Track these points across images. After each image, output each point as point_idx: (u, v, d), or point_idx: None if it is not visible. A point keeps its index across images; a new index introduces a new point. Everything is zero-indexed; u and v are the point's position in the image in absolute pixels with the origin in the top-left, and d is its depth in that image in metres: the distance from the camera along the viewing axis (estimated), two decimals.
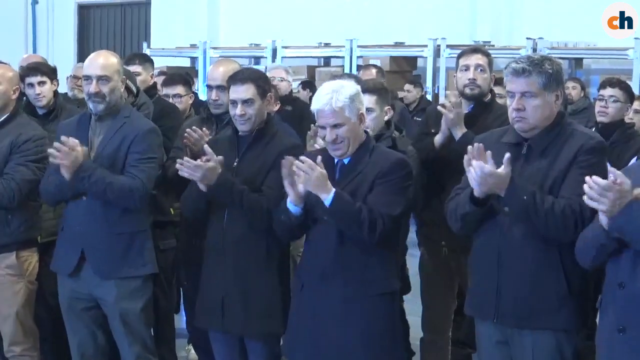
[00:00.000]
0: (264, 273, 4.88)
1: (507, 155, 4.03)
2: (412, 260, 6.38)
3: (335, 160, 4.58)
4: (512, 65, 4.26)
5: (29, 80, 6.09)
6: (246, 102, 4.90)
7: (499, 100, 5.87)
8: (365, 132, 4.65)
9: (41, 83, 6.11)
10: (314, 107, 4.52)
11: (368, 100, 5.20)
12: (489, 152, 4.05)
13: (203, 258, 5.05)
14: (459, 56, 5.77)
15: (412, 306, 6.22)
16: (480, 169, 4.02)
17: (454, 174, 4.57)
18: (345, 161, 4.56)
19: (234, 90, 4.93)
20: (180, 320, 6.89)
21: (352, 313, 4.46)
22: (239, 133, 4.99)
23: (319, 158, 4.37)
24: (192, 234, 5.41)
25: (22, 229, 5.45)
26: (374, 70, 8.36)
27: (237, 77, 4.99)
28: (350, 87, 4.54)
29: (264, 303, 4.88)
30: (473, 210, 4.21)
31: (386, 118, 5.36)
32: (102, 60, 5.16)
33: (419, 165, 5.32)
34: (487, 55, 5.70)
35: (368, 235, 4.37)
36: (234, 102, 4.92)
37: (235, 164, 4.93)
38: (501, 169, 4.01)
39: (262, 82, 4.99)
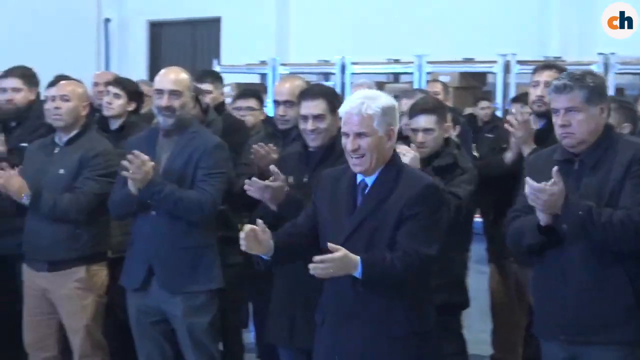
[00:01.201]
0: None
1: (555, 168, 4.00)
2: (481, 277, 6.33)
3: (358, 181, 4.23)
4: (554, 82, 4.26)
5: (109, 88, 6.22)
6: (317, 117, 4.90)
7: None
8: (394, 151, 4.28)
9: (117, 95, 6.19)
10: (341, 110, 4.22)
11: (427, 120, 5.18)
12: (555, 168, 4.03)
13: (271, 274, 5.03)
14: (533, 72, 5.74)
15: (478, 323, 6.17)
16: (530, 187, 3.99)
17: (522, 190, 4.53)
18: (369, 182, 4.20)
19: (305, 105, 4.94)
20: (249, 336, 6.89)
21: (373, 355, 4.16)
22: (309, 148, 4.97)
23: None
24: None
25: (92, 244, 5.49)
26: (439, 85, 8.32)
27: (309, 93, 5.01)
28: (385, 98, 4.21)
29: None
30: (540, 240, 4.16)
31: (446, 135, 5.30)
32: (174, 76, 5.22)
33: (476, 182, 5.24)
34: (561, 71, 5.62)
35: (408, 283, 4.12)
36: (305, 117, 4.92)
37: (305, 179, 4.91)
38: (552, 185, 3.97)
39: (332, 98, 4.97)
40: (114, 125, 6.25)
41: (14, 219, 5.66)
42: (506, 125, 5.52)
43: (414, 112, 5.30)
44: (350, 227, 4.12)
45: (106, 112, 6.25)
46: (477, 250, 6.14)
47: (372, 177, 4.19)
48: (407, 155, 4.94)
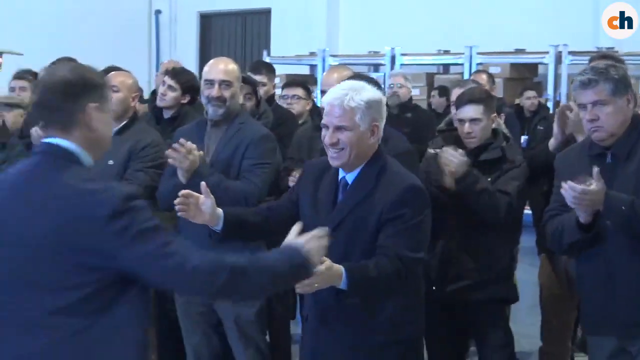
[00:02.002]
0: None
1: (596, 169, 3.96)
2: (531, 270, 6.28)
3: (340, 177, 4.04)
4: (578, 78, 4.24)
5: (165, 78, 6.24)
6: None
7: None
8: (378, 148, 4.02)
9: (171, 87, 6.21)
10: (324, 100, 4.01)
11: (475, 110, 5.13)
12: (596, 169, 3.98)
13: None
14: (589, 62, 5.69)
15: (527, 316, 6.12)
16: (572, 190, 3.93)
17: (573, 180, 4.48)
18: (349, 179, 4.00)
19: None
20: (297, 327, 6.90)
21: None
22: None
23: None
24: None
25: None
26: (484, 76, 8.25)
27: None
28: (371, 91, 3.97)
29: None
30: (582, 238, 4.13)
31: (493, 126, 5.26)
32: (224, 66, 5.21)
33: (526, 176, 5.19)
34: (617, 62, 5.56)
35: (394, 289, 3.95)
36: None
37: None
38: (594, 184, 3.93)
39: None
40: (167, 114, 6.28)
41: None
42: (565, 110, 5.45)
43: (460, 102, 5.26)
44: (330, 226, 3.68)
45: (159, 103, 6.28)
46: (527, 242, 6.08)
47: (353, 174, 4.00)
48: (455, 160, 4.92)
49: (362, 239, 3.91)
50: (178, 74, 6.36)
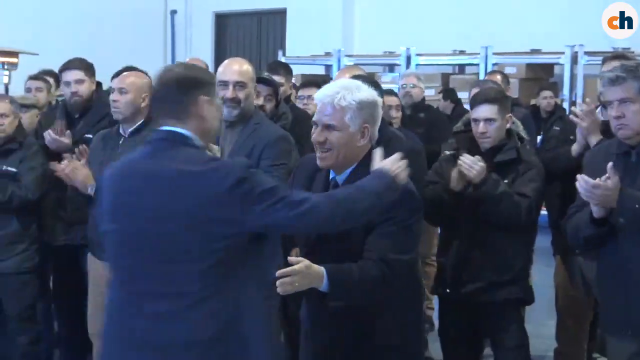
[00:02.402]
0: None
1: (610, 164, 3.94)
2: (547, 271, 6.27)
3: (331, 176, 3.97)
4: (607, 75, 4.23)
5: None
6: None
7: None
8: (370, 150, 3.87)
9: None
10: (316, 96, 3.91)
11: (489, 110, 5.11)
12: (610, 164, 3.96)
13: None
14: (602, 63, 5.68)
15: (543, 317, 6.12)
16: (585, 182, 3.93)
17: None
18: (340, 181, 3.91)
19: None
20: None
21: None
22: None
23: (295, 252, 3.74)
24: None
25: None
26: (499, 77, 8.24)
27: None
28: (366, 92, 3.86)
29: None
30: (595, 232, 4.11)
31: (508, 126, 5.25)
32: (239, 67, 5.18)
33: (544, 177, 5.19)
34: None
35: (379, 296, 3.80)
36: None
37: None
38: (607, 180, 3.91)
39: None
40: None
41: (82, 210, 5.74)
42: (571, 116, 5.46)
43: (475, 101, 5.26)
44: None
45: None
46: (543, 243, 6.08)
47: (343, 175, 3.91)
48: (474, 168, 4.91)
49: (352, 241, 3.79)
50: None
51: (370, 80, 4.95)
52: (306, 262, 3.54)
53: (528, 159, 5.17)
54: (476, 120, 5.18)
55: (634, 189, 4.01)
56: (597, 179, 3.92)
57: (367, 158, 3.81)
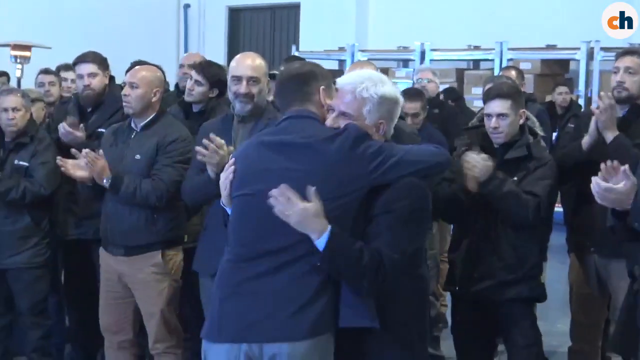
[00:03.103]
0: None
1: (625, 167, 3.81)
2: (562, 268, 6.24)
3: None
4: None
5: (192, 72, 6.23)
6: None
7: None
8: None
9: (198, 82, 6.19)
10: (339, 82, 3.88)
11: (502, 105, 5.09)
12: (626, 166, 3.84)
13: None
14: (615, 58, 5.63)
15: (557, 314, 6.09)
16: (597, 185, 3.82)
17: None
18: None
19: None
20: None
21: None
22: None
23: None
24: None
25: (168, 228, 5.52)
26: (513, 72, 8.20)
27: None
28: (390, 88, 3.86)
29: None
30: (617, 224, 4.05)
31: (521, 122, 5.22)
32: (252, 62, 5.16)
33: (557, 174, 5.16)
34: None
35: (368, 286, 3.66)
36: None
37: None
38: (621, 185, 3.80)
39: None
40: (196, 108, 6.28)
41: (93, 205, 5.75)
42: (592, 107, 5.41)
43: (488, 96, 5.23)
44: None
45: (187, 98, 6.27)
46: (558, 240, 6.06)
47: None
48: (478, 165, 4.89)
49: (353, 233, 3.69)
50: (205, 68, 6.33)
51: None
52: (317, 205, 3.55)
53: (539, 156, 5.14)
54: (489, 116, 5.16)
55: None
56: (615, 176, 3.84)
57: None
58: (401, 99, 3.93)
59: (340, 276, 3.68)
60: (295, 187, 3.57)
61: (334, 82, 3.90)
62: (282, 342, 3.64)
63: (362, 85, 3.77)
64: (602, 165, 3.84)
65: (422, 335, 4.07)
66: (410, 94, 6.82)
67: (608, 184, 3.82)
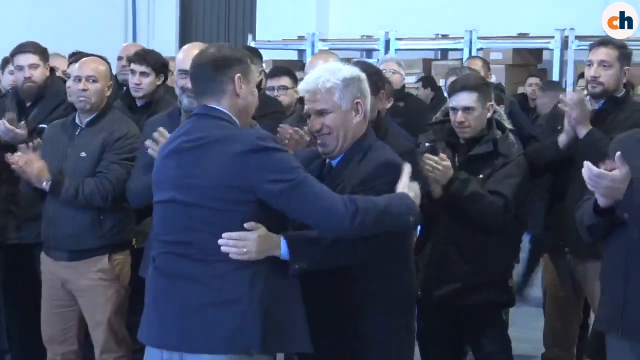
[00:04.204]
0: None
1: (618, 153, 3.88)
2: (537, 270, 6.28)
3: (327, 161, 4.15)
4: None
5: (132, 67, 6.17)
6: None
7: None
8: (367, 129, 4.13)
9: (144, 74, 6.17)
10: (300, 88, 4.14)
11: (468, 98, 5.11)
12: (618, 153, 3.91)
13: None
14: (589, 49, 5.67)
15: (531, 319, 6.13)
16: (589, 170, 3.87)
17: (578, 176, 4.45)
18: (333, 163, 4.12)
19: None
20: None
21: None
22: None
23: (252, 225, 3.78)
24: None
25: (115, 231, 5.50)
26: (479, 62, 8.25)
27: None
28: (348, 69, 4.08)
29: None
30: (598, 222, 4.08)
31: (488, 115, 5.23)
32: None
33: (527, 169, 5.18)
34: (620, 47, 5.55)
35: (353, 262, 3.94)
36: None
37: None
38: (615, 171, 3.86)
39: (375, 78, 4.79)
40: (140, 102, 6.25)
41: (35, 206, 5.70)
42: (560, 105, 5.45)
43: (453, 89, 5.25)
44: None
45: (135, 94, 6.23)
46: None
47: (337, 158, 4.10)
48: (439, 168, 4.90)
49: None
50: (145, 56, 6.32)
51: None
52: (262, 229, 3.72)
53: (506, 152, 5.14)
54: (454, 109, 5.17)
55: None
56: (602, 167, 3.88)
57: (362, 139, 4.06)
58: (363, 74, 4.14)
59: (318, 263, 3.88)
60: (190, 193, 3.78)
61: (261, 63, 4.07)
62: (203, 353, 3.78)
63: (321, 79, 3.99)
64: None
65: (409, 342, 4.26)
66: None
67: (600, 170, 3.86)
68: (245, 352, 3.76)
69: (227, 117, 3.89)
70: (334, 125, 4.00)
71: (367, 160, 4.03)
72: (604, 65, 5.46)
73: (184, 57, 5.10)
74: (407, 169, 3.97)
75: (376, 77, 4.84)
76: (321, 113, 4.00)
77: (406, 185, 3.92)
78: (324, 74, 4.00)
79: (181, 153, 3.87)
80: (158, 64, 6.25)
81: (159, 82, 6.25)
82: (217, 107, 3.90)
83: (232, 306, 3.75)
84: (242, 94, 3.92)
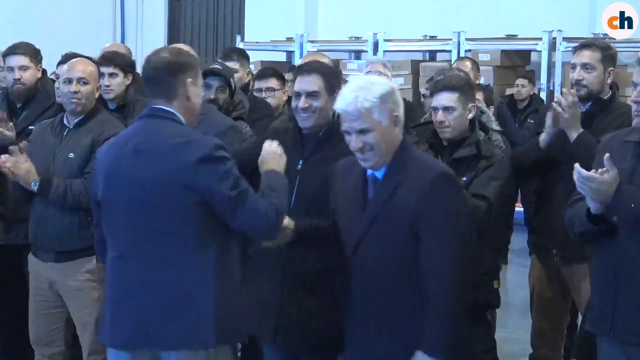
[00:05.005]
0: None
1: (607, 155, 3.91)
2: (523, 271, 6.30)
3: (368, 172, 4.21)
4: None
5: (101, 69, 6.15)
6: (311, 94, 4.72)
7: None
8: (403, 137, 4.20)
9: (112, 75, 6.17)
10: (337, 107, 4.15)
11: (449, 98, 5.11)
12: (607, 155, 3.94)
13: None
14: (573, 52, 5.68)
15: (518, 320, 6.14)
16: (579, 173, 3.91)
17: (564, 178, 4.48)
18: (379, 175, 4.17)
19: (300, 80, 4.79)
20: None
21: None
22: (303, 131, 4.79)
23: None
24: None
25: None
26: (468, 63, 8.26)
27: (304, 68, 4.89)
28: (381, 84, 4.14)
29: None
30: (590, 229, 4.11)
31: (470, 116, 5.23)
32: None
33: (509, 172, 5.19)
34: (603, 49, 5.55)
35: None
36: (298, 94, 4.76)
37: (299, 166, 4.74)
38: (604, 174, 3.89)
39: (331, 76, 4.79)
40: (113, 105, 6.23)
41: (24, 207, 5.69)
42: (554, 104, 5.45)
43: (435, 89, 5.26)
44: (365, 224, 4.11)
45: (107, 96, 6.18)
46: (520, 242, 6.12)
47: (381, 169, 4.15)
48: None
49: (398, 233, 4.04)
50: (112, 58, 6.32)
51: (335, 69, 4.98)
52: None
53: (488, 154, 5.13)
54: (435, 109, 5.18)
55: (633, 187, 3.97)
56: (593, 170, 3.90)
57: (402, 145, 4.15)
58: (394, 86, 4.25)
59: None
60: (143, 195, 4.02)
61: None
62: (180, 350, 4.02)
63: (358, 99, 4.02)
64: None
65: None
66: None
67: (590, 173, 3.89)
68: (227, 344, 4.13)
69: (177, 117, 4.14)
70: (376, 142, 4.06)
71: (417, 168, 4.11)
72: (587, 68, 5.47)
73: None
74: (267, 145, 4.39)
75: (331, 76, 4.83)
76: (362, 132, 4.05)
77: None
78: (360, 93, 4.03)
79: (140, 152, 4.07)
80: (125, 64, 6.24)
81: (127, 82, 6.24)
82: (166, 108, 4.14)
83: (219, 304, 4.03)
84: (192, 97, 4.18)
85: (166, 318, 4.01)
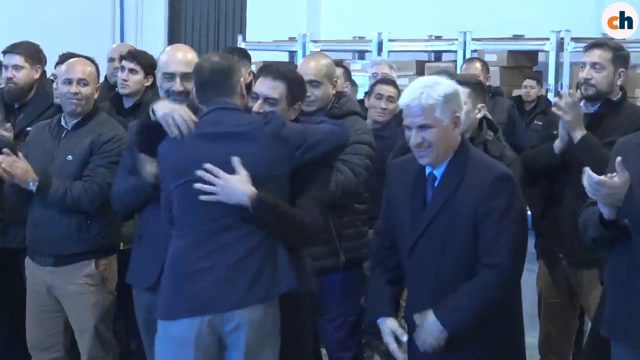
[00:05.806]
0: None
1: (618, 159, 3.92)
2: (531, 276, 6.28)
3: (427, 172, 4.36)
4: None
5: (123, 63, 6.17)
6: (269, 100, 4.73)
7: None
8: (462, 138, 4.38)
9: (133, 71, 6.17)
10: (400, 102, 4.32)
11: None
12: (618, 159, 3.94)
13: None
14: (583, 51, 5.66)
15: (527, 325, 6.11)
16: (589, 178, 3.91)
17: (573, 181, 4.46)
18: (438, 174, 4.33)
19: (261, 83, 4.79)
20: None
21: None
22: None
23: None
24: None
25: (102, 236, 5.49)
26: (478, 64, 8.25)
27: (270, 71, 4.85)
28: (446, 84, 4.29)
29: None
30: (603, 234, 4.10)
31: (479, 116, 5.23)
32: (183, 56, 5.10)
33: (522, 174, 5.17)
34: (615, 50, 5.53)
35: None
36: (256, 96, 4.77)
37: None
38: (614, 178, 3.89)
39: (295, 87, 4.80)
40: (128, 103, 6.24)
41: (21, 210, 5.67)
42: (554, 109, 5.44)
43: None
44: (423, 224, 4.24)
45: (122, 91, 6.23)
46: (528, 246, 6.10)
47: (441, 168, 4.30)
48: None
49: (457, 234, 4.22)
50: (137, 55, 6.34)
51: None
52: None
53: (498, 154, 5.11)
54: None
55: None
56: (604, 175, 3.90)
57: (462, 147, 4.31)
58: (460, 88, 4.40)
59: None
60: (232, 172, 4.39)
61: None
62: (240, 309, 4.40)
63: (423, 95, 4.19)
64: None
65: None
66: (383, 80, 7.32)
67: (601, 177, 3.89)
68: (275, 298, 4.55)
69: (242, 109, 4.63)
70: (435, 140, 4.21)
71: (477, 169, 4.28)
72: (596, 67, 5.46)
73: (170, 60, 5.07)
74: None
75: (299, 90, 4.82)
76: (422, 128, 4.20)
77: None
78: (425, 90, 4.19)
79: (223, 136, 4.50)
80: (148, 64, 6.25)
81: (147, 83, 6.25)
82: (235, 102, 4.60)
83: (266, 266, 4.48)
84: (244, 94, 4.68)
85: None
